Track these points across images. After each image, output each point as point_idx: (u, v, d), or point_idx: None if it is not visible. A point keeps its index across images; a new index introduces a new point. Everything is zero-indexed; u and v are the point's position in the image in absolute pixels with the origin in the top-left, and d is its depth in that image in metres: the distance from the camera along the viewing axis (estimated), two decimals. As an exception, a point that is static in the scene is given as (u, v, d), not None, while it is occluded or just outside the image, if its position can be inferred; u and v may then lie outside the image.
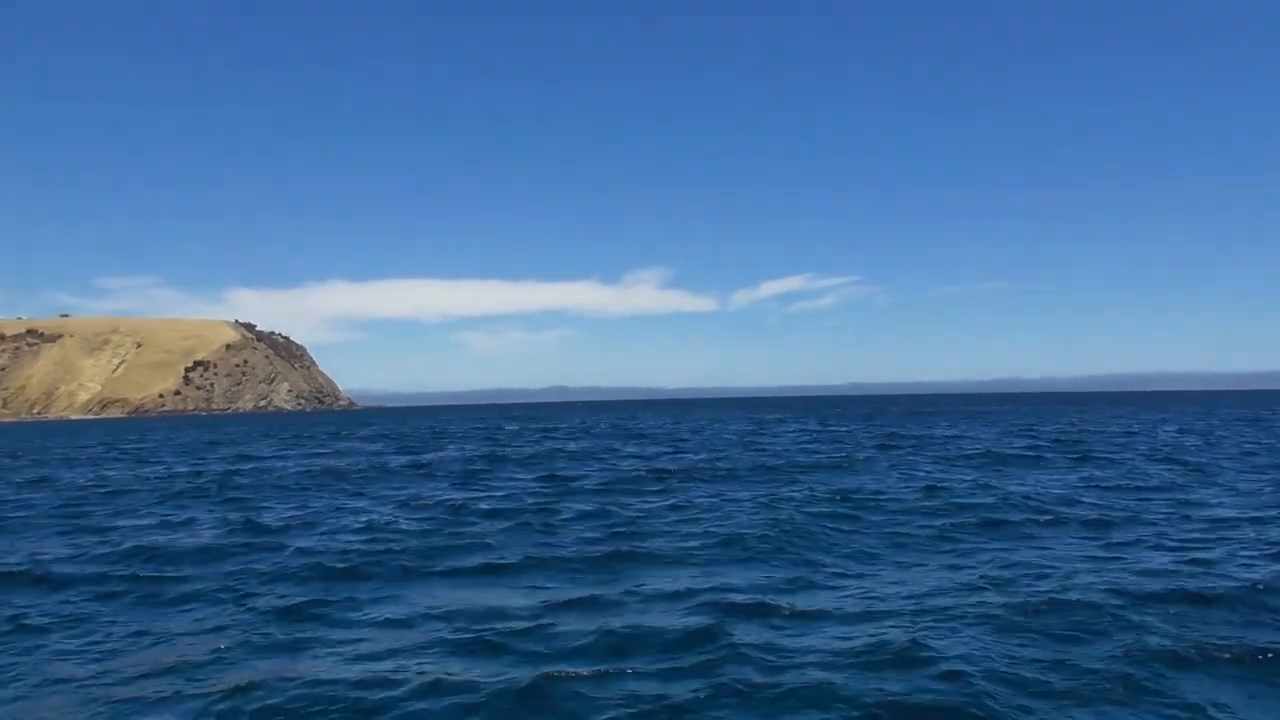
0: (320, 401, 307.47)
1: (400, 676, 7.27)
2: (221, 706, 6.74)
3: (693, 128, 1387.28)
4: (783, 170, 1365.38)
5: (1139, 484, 20.06)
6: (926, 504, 16.88)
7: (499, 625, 8.76)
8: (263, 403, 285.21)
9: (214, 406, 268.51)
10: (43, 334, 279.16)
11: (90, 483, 27.40)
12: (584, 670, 7.28)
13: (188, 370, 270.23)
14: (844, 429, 53.42)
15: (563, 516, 16.31)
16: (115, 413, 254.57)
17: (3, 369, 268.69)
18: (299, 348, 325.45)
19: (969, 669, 7.04)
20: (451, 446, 43.04)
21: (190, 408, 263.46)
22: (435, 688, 6.97)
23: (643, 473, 25.03)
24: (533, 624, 8.79)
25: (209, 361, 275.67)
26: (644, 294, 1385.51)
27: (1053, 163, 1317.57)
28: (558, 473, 25.64)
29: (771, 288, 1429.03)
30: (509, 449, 39.12)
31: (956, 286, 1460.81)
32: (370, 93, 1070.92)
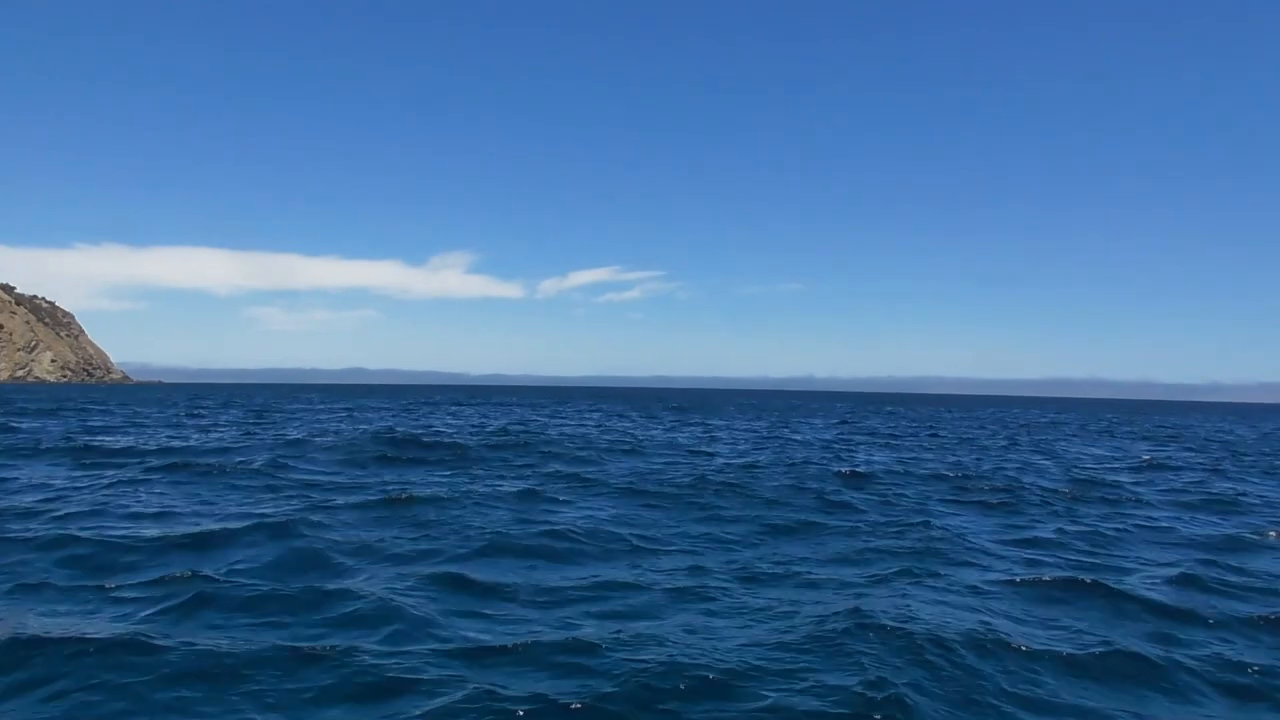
0: (89, 374, 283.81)
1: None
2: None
3: (500, 112, 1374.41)
4: (591, 160, 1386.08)
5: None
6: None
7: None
8: (20, 372, 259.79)
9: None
10: None
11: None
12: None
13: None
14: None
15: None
16: None
17: None
18: (66, 314, 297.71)
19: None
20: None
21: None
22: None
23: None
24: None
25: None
26: (450, 278, 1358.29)
27: (851, 169, 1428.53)
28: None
29: (580, 278, 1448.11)
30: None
31: (757, 286, 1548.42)
32: (159, 46, 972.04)
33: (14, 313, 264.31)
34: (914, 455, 26.96)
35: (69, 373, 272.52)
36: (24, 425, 33.22)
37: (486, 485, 16.55)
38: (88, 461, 20.24)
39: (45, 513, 12.85)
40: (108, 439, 27.02)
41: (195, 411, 49.32)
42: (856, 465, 22.16)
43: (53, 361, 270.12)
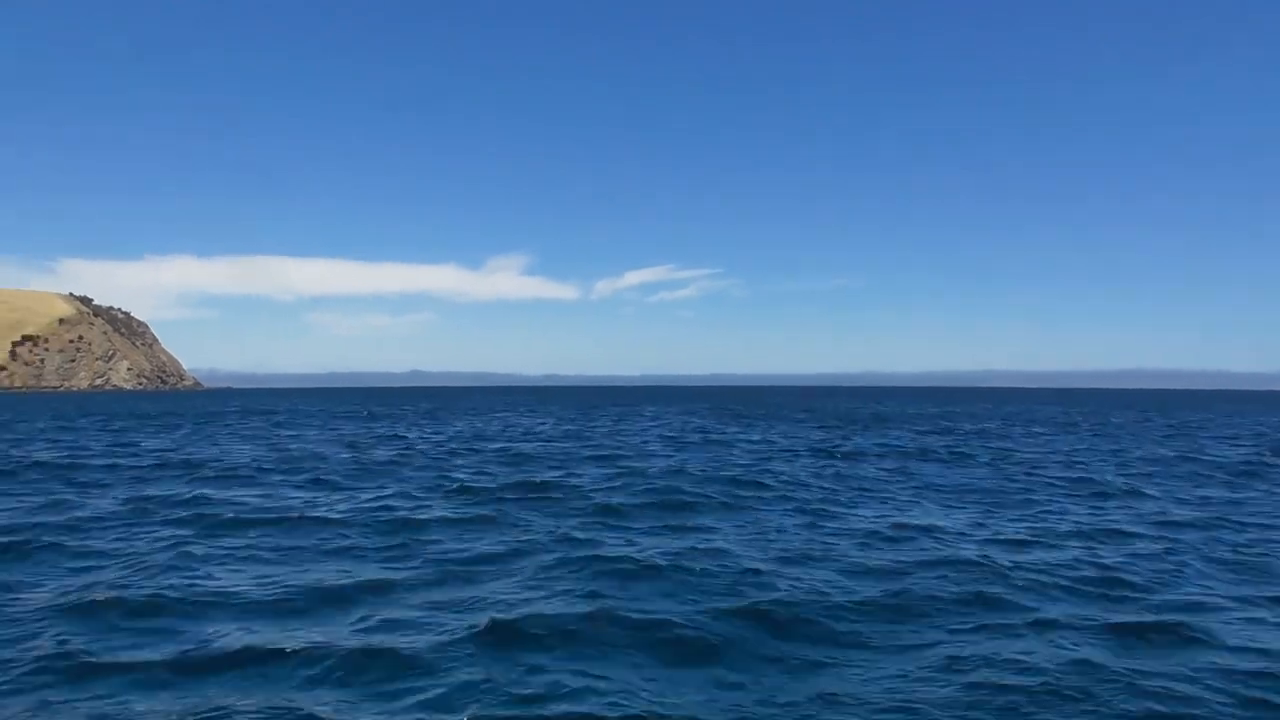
0: (163, 381, 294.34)
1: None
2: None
3: (554, 115, 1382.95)
4: (645, 160, 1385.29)
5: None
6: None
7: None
8: (99, 381, 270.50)
9: (44, 384, 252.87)
10: None
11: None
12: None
13: (15, 344, 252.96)
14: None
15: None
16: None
17: None
18: (140, 324, 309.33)
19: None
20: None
21: (17, 384, 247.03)
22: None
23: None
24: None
25: (39, 336, 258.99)
26: (506, 280, 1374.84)
27: (895, 164, 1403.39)
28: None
29: (634, 277, 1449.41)
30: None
31: (808, 282, 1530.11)
32: (222, 64, 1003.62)
33: (92, 324, 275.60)
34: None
35: (144, 380, 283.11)
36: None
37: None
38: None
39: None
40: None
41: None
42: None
43: (129, 370, 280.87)
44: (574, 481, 19.32)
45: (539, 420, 52.15)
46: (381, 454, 26.95)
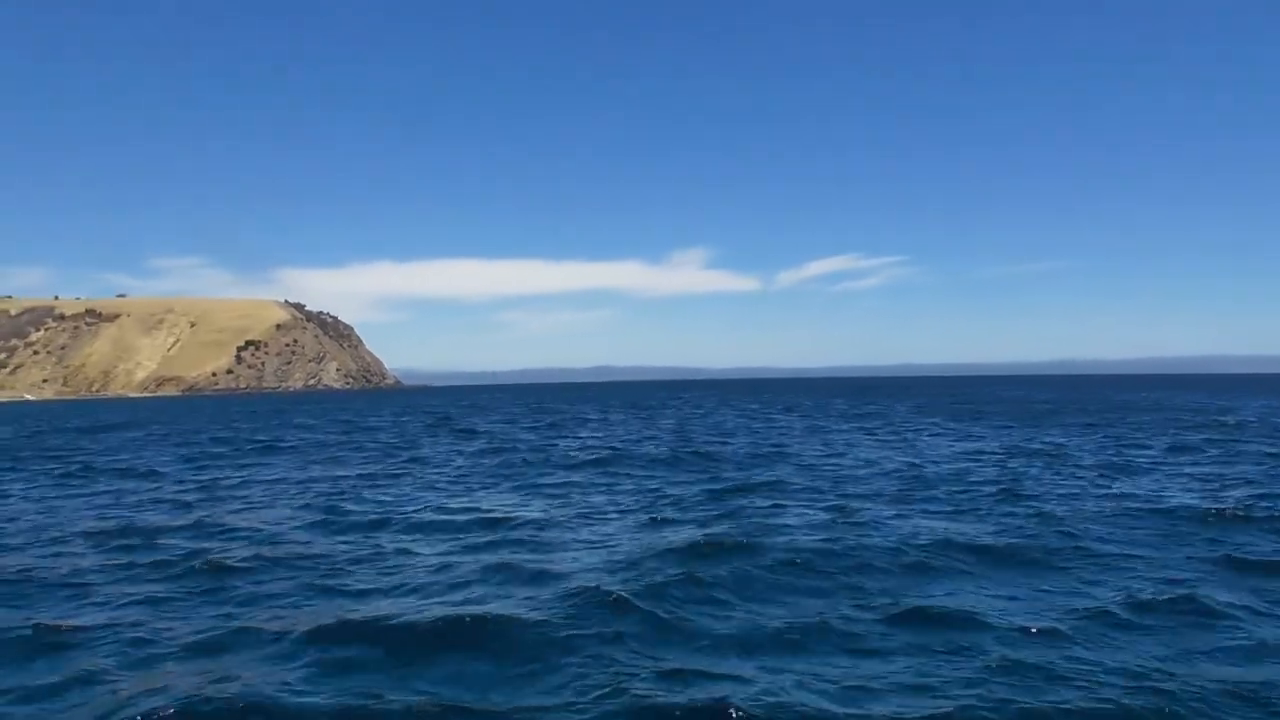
0: (368, 381, 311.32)
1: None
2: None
3: (735, 106, 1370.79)
4: (827, 149, 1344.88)
5: None
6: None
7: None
8: (312, 381, 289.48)
9: (265, 385, 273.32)
10: (101, 314, 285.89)
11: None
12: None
13: (240, 349, 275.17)
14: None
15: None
16: (170, 390, 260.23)
17: (63, 348, 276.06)
18: (347, 327, 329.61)
19: None
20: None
21: (242, 386, 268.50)
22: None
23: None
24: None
25: (260, 341, 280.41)
26: (688, 274, 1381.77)
27: (1100, 141, 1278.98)
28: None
29: (816, 268, 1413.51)
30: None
31: (1002, 267, 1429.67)
32: (412, 76, 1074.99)
33: (305, 328, 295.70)
34: None
35: (351, 380, 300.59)
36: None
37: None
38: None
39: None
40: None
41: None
42: None
43: (338, 370, 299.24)
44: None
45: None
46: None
